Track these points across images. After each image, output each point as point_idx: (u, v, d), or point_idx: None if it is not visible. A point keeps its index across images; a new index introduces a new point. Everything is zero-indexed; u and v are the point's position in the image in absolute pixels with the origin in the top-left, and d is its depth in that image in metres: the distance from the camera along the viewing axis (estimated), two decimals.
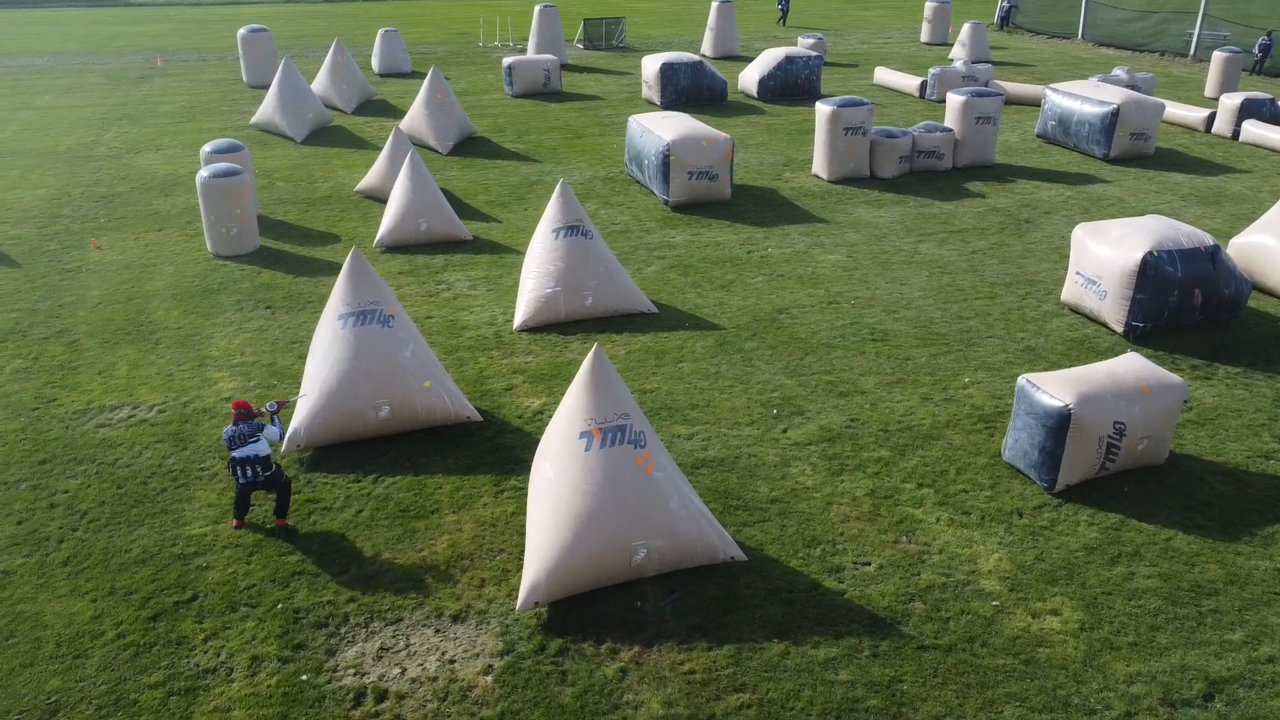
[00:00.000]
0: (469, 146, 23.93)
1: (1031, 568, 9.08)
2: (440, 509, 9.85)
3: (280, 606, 8.46)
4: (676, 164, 18.92)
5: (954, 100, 21.97)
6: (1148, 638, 8.24)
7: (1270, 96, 25.47)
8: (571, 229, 14.11)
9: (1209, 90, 30.18)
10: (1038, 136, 24.75)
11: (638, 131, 20.37)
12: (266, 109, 24.76)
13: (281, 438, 9.91)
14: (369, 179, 19.83)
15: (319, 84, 27.63)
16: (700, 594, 8.68)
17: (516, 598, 8.49)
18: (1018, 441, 10.40)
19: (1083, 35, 40.59)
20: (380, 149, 23.36)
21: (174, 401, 11.89)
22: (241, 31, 30.56)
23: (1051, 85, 24.72)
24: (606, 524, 8.36)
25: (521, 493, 10.07)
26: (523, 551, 9.15)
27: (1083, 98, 23.23)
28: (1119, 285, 13.52)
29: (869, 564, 9.14)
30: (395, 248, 17.12)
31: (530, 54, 33.32)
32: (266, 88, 29.99)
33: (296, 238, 17.70)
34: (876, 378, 12.66)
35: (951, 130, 21.83)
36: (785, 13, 44.94)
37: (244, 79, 31.01)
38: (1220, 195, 20.43)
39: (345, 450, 10.79)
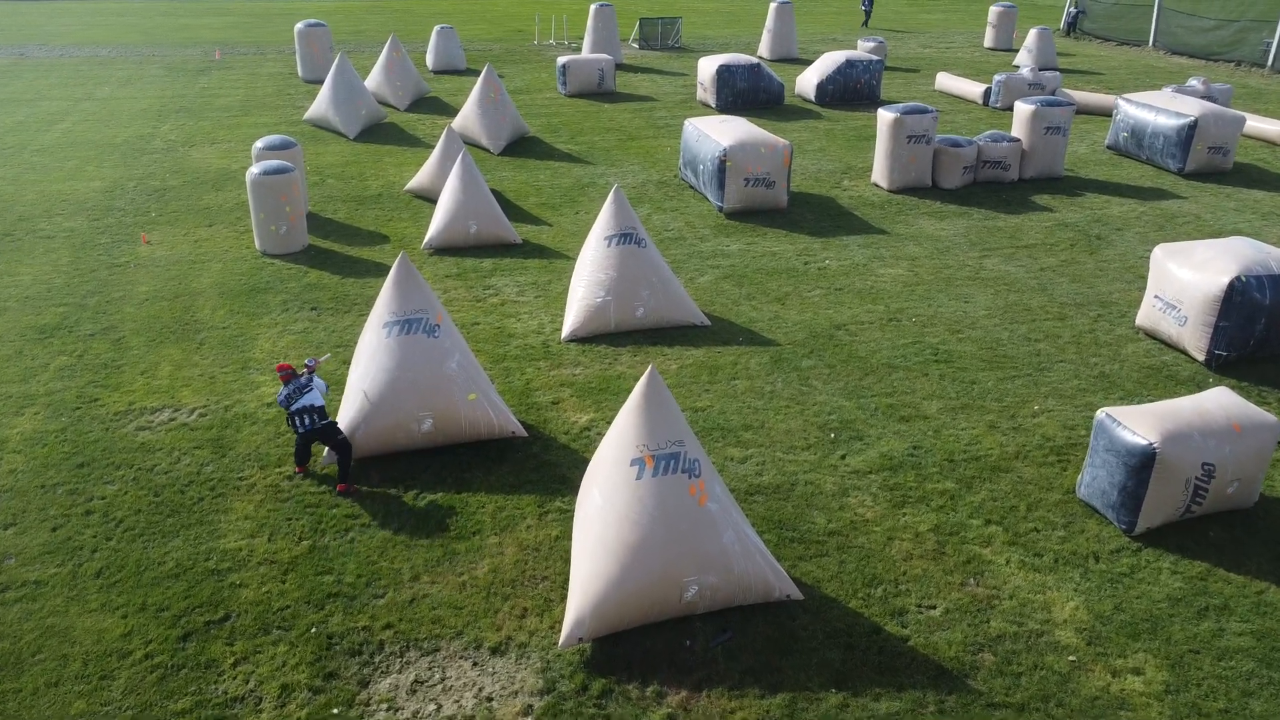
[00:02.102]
0: (521, 146, 23.60)
1: (1111, 619, 8.45)
2: (482, 530, 9.46)
3: (314, 630, 8.12)
4: (733, 170, 18.40)
5: (1022, 109, 21.16)
6: (1240, 704, 7.59)
7: None
8: (625, 236, 13.68)
9: None
10: (1108, 148, 23.79)
11: (693, 135, 19.88)
12: (320, 105, 24.67)
13: (329, 389, 10.53)
14: (419, 178, 19.58)
15: (373, 80, 27.50)
16: (753, 634, 8.19)
17: (559, 630, 8.07)
18: (1095, 479, 9.75)
19: (1154, 43, 39.27)
20: (432, 147, 23.15)
21: (215, 405, 11.65)
22: (299, 26, 30.58)
23: (1124, 95, 23.75)
24: (656, 557, 7.89)
25: (567, 515, 9.65)
26: (567, 580, 8.73)
27: (1157, 109, 22.27)
28: (1202, 311, 12.75)
29: (934, 608, 8.57)
30: (444, 249, 16.81)
31: (585, 53, 32.96)
32: (322, 83, 30.06)
33: (345, 237, 17.47)
34: (940, 402, 12.04)
35: (1019, 140, 21.03)
36: (869, 14, 44.17)
37: (300, 74, 31.01)
38: None
39: (386, 462, 10.45)
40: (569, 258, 16.52)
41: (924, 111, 20.14)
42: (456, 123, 23.42)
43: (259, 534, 9.32)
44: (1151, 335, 13.81)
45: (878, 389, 12.34)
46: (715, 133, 19.06)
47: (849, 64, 28.58)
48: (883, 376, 12.65)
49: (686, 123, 20.43)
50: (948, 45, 40.08)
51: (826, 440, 11.15)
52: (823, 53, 32.91)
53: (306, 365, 10.27)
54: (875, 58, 29.30)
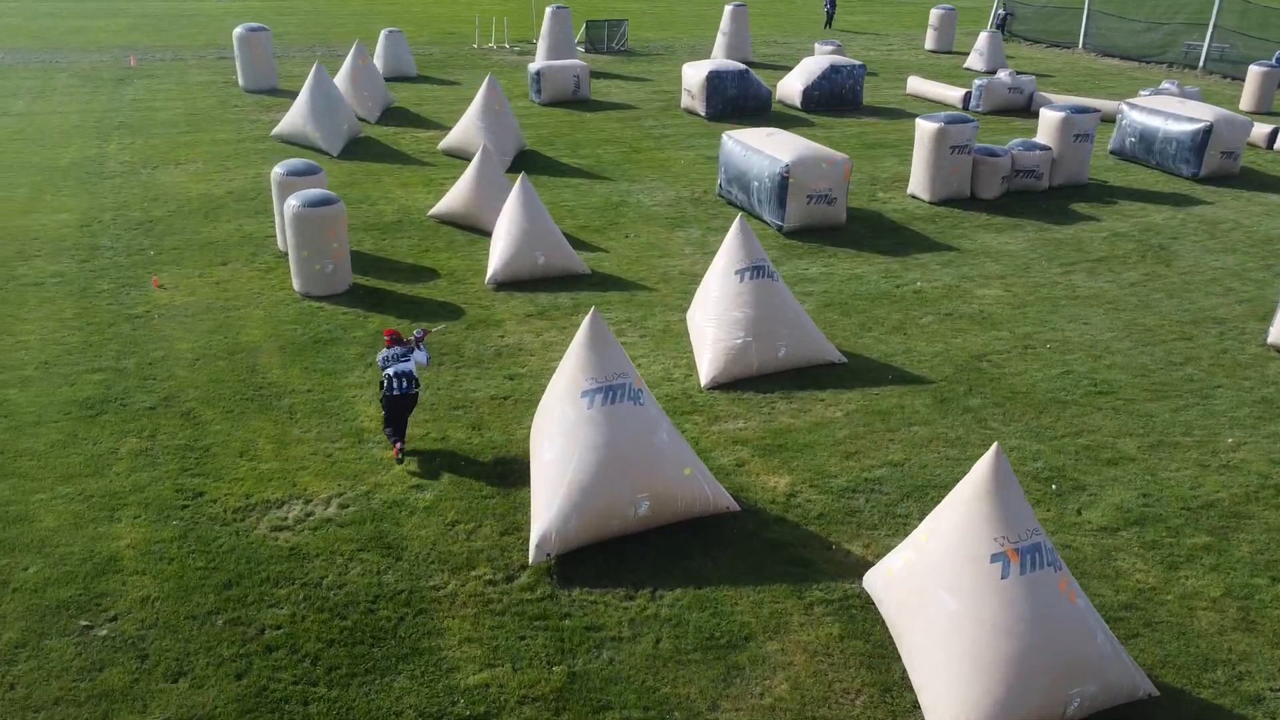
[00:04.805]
0: (522, 161, 21.88)
1: None
2: (753, 635, 8.11)
3: None
4: (795, 187, 17.36)
5: (1050, 116, 20.92)
6: None
7: None
8: (757, 270, 12.47)
9: (1244, 104, 29.95)
10: (1112, 153, 23.89)
11: (738, 151, 18.72)
12: (295, 118, 22.27)
13: (429, 363, 10.69)
14: (449, 202, 17.73)
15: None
16: None
17: None
18: None
19: (1084, 45, 40.34)
20: (426, 163, 21.31)
21: (352, 492, 9.82)
22: (238, 31, 27.78)
23: (1128, 100, 23.91)
24: (1041, 671, 6.78)
25: (835, 607, 8.40)
26: (884, 691, 7.52)
27: (1168, 114, 22.44)
28: None
29: None
30: (507, 284, 15.16)
31: (541, 58, 31.30)
32: (265, 93, 27.67)
33: (386, 273, 15.56)
34: (1134, 440, 11.31)
35: (1050, 148, 20.77)
36: (831, 15, 43.82)
37: (240, 83, 28.24)
38: None
39: (597, 555, 8.93)
40: (648, 288, 15.18)
41: (965, 121, 19.61)
42: (454, 136, 21.64)
43: (498, 662, 7.71)
44: None
45: (1060, 428, 11.52)
46: (767, 147, 17.98)
47: (834, 69, 27.96)
48: (1057, 414, 11.85)
49: (725, 136, 19.25)
50: (889, 48, 40.13)
51: (1050, 493, 10.24)
52: (771, 56, 32.35)
53: (415, 335, 10.60)
54: (857, 63, 28.83)
